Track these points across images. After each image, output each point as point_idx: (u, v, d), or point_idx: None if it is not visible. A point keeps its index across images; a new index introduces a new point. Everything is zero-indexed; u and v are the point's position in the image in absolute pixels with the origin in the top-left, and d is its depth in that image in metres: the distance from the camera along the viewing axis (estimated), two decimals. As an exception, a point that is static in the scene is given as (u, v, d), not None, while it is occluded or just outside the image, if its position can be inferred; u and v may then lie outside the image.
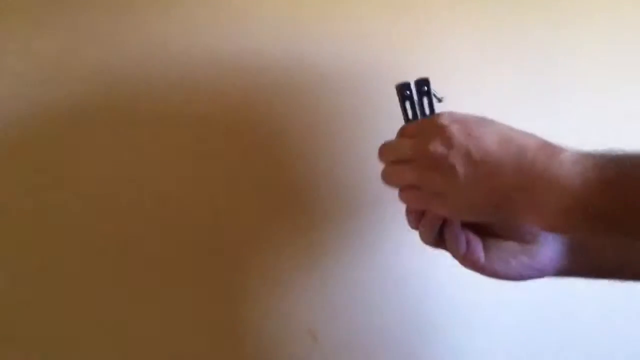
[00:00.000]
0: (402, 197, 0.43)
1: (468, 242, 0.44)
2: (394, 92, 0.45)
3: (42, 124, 0.65)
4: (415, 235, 0.47)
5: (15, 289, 0.63)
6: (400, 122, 0.44)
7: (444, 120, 0.39)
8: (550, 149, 0.39)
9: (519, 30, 0.68)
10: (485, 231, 0.46)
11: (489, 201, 0.38)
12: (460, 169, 0.37)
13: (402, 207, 0.46)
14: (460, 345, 0.74)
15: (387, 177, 0.43)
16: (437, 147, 0.38)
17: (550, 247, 0.44)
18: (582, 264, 0.44)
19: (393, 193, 0.45)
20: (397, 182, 0.42)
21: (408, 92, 0.43)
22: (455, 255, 0.44)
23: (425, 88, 0.43)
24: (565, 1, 0.68)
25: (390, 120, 0.46)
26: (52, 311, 0.66)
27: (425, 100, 0.44)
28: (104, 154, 0.65)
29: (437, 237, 0.44)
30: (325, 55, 0.66)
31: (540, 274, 0.44)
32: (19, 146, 0.62)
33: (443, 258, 0.47)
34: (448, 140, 0.38)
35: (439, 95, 0.44)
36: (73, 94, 0.63)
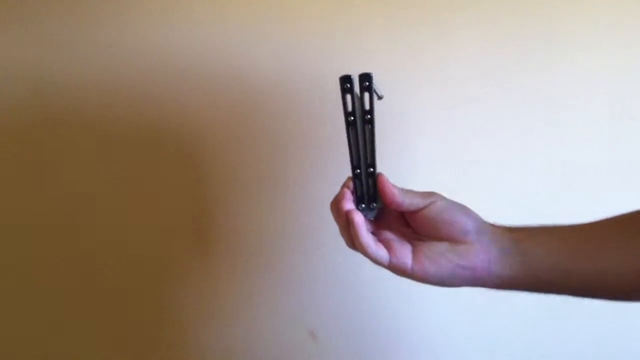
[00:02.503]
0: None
1: (392, 248, 0.43)
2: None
3: None
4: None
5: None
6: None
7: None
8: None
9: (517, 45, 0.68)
10: (413, 234, 0.45)
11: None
12: None
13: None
14: (461, 345, 0.74)
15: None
16: None
17: (481, 247, 0.42)
18: (522, 271, 0.42)
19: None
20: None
21: (349, 85, 0.43)
22: (380, 264, 0.44)
23: (367, 83, 0.43)
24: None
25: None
26: None
27: (367, 95, 0.43)
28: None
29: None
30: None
31: (473, 275, 0.42)
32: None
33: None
34: None
35: (379, 92, 0.44)
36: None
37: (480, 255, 0.43)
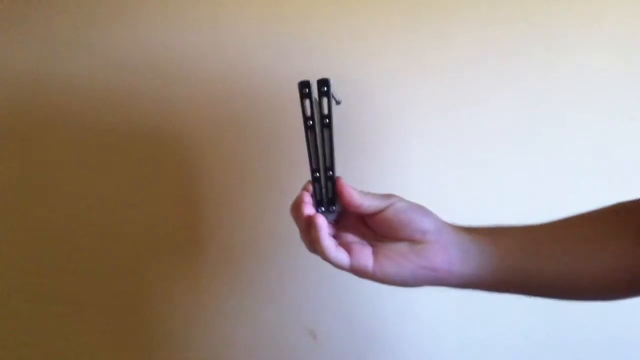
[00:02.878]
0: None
1: (353, 251, 0.43)
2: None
3: None
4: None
5: None
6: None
7: None
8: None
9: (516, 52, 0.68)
10: (373, 235, 0.45)
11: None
12: None
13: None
14: (460, 344, 0.75)
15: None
16: None
17: (441, 247, 0.43)
18: (482, 270, 0.43)
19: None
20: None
21: (307, 90, 0.44)
22: (341, 268, 0.44)
23: (325, 88, 0.44)
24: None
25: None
26: None
27: (325, 101, 0.44)
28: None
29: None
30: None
31: (434, 274, 0.43)
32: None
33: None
34: None
35: (337, 98, 0.45)
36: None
37: (439, 255, 0.43)
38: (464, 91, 0.69)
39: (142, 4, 0.65)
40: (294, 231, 0.71)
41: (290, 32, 0.66)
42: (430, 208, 0.45)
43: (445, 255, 0.43)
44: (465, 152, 0.70)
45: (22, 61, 0.65)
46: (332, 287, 0.73)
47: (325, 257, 0.43)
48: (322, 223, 0.43)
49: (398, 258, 0.43)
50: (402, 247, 0.43)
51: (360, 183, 0.61)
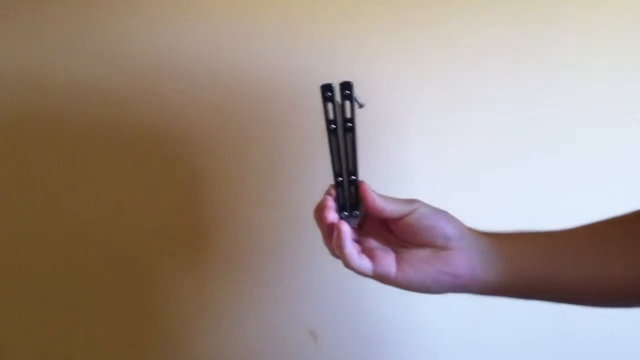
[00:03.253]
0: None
1: (375, 257, 0.43)
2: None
3: None
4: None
5: None
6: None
7: None
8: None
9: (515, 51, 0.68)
10: (395, 241, 0.45)
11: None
12: None
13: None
14: (460, 344, 0.75)
15: None
16: None
17: (464, 254, 0.43)
18: (506, 277, 0.43)
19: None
20: None
21: (330, 94, 0.43)
22: (363, 275, 0.44)
23: (348, 92, 0.43)
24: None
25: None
26: None
27: (347, 104, 0.43)
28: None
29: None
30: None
31: (457, 280, 0.42)
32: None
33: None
34: None
35: (360, 101, 0.44)
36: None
37: (462, 261, 0.43)
38: (465, 92, 0.69)
39: (143, 3, 0.65)
40: (295, 231, 0.71)
41: (293, 33, 0.66)
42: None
43: (468, 262, 0.43)
44: (466, 152, 0.70)
45: (21, 62, 0.65)
46: (333, 287, 0.73)
47: (348, 265, 0.43)
48: (346, 230, 0.42)
49: (420, 264, 0.43)
50: (424, 253, 0.43)
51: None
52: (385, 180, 0.70)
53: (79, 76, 0.66)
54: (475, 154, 0.70)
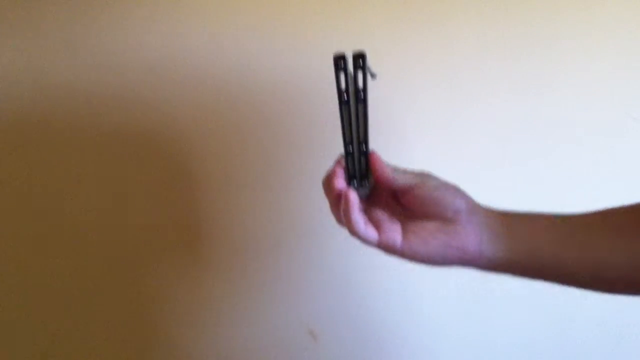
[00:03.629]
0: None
1: (382, 227, 0.43)
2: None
3: None
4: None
5: None
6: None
7: None
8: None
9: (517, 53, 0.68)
10: (403, 212, 0.45)
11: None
12: None
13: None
14: (460, 344, 0.74)
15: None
16: None
17: (472, 228, 0.42)
18: (513, 255, 0.43)
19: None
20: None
21: (343, 64, 0.43)
22: (368, 244, 0.43)
23: (361, 62, 0.43)
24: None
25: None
26: None
27: (360, 75, 0.43)
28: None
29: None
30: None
31: (463, 254, 0.42)
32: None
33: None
34: None
35: (372, 71, 0.44)
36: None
37: (470, 235, 0.43)
38: (465, 91, 0.69)
39: (140, 5, 0.65)
40: (294, 231, 0.71)
41: (290, 33, 0.66)
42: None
43: (476, 237, 0.43)
44: (465, 152, 0.70)
45: (20, 62, 0.65)
46: (333, 287, 0.72)
47: (354, 233, 0.43)
48: (354, 199, 0.42)
49: (427, 236, 0.43)
50: (432, 225, 0.43)
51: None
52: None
53: (75, 77, 0.66)
54: (475, 154, 0.70)
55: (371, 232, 0.43)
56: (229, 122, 0.68)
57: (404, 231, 0.43)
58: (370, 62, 0.43)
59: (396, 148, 0.69)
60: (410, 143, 0.70)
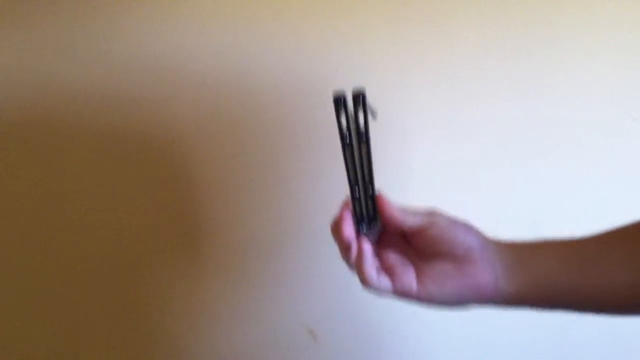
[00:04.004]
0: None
1: (395, 274, 0.42)
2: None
3: None
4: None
5: None
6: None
7: None
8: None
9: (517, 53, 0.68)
10: (415, 253, 0.44)
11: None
12: None
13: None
14: (463, 344, 0.74)
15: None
16: None
17: (486, 265, 0.42)
18: (528, 287, 0.42)
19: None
20: None
21: (343, 105, 0.42)
22: (382, 293, 0.42)
23: (361, 102, 0.42)
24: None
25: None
26: None
27: (361, 114, 0.42)
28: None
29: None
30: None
31: (479, 292, 0.42)
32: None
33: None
34: None
35: (373, 109, 0.43)
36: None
37: (485, 272, 0.42)
38: (465, 91, 0.69)
39: (140, 5, 0.65)
40: (294, 231, 0.71)
41: (290, 33, 0.66)
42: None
43: (491, 273, 0.42)
44: (466, 152, 0.70)
45: (18, 63, 0.65)
46: (332, 287, 0.72)
47: (367, 285, 0.42)
48: (367, 250, 0.41)
49: (442, 278, 0.42)
50: (446, 266, 0.42)
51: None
52: (385, 180, 0.70)
53: (75, 77, 0.66)
54: (475, 154, 0.70)
55: (384, 282, 0.42)
56: (229, 122, 0.68)
57: (418, 274, 0.42)
58: (370, 99, 0.42)
59: (396, 148, 0.69)
60: (410, 143, 0.70)
